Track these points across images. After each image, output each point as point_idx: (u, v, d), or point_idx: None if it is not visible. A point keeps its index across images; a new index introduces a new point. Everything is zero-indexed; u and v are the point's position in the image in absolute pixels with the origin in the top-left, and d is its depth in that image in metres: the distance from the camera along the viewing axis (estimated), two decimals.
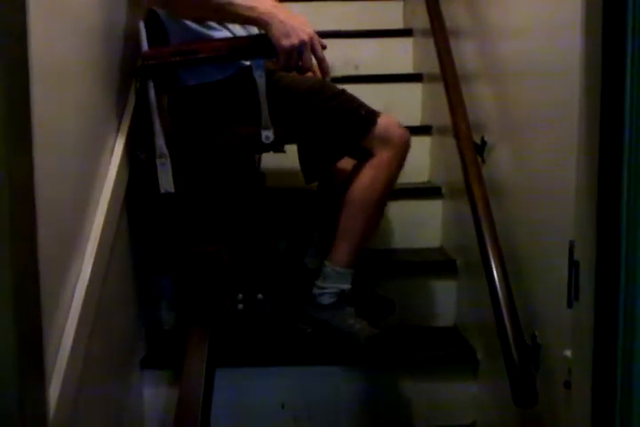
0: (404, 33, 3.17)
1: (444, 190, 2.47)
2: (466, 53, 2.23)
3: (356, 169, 1.83)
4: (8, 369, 0.84)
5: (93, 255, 1.40)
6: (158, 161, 1.62)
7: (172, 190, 1.62)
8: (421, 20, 2.73)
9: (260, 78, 1.60)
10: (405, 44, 3.14)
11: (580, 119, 0.99)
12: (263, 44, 1.53)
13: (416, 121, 2.90)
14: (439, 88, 2.28)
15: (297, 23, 1.51)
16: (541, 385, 1.46)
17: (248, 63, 1.65)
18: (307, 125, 1.75)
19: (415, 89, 2.93)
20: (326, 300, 1.84)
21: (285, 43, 1.49)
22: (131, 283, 1.78)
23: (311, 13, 3.35)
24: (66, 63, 1.36)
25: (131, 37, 1.80)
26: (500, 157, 1.84)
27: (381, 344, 1.83)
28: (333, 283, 1.83)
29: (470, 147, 1.89)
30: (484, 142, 1.94)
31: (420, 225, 2.49)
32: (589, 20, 0.95)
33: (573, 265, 0.98)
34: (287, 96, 1.71)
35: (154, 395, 1.92)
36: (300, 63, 1.57)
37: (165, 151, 1.62)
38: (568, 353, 1.22)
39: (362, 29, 3.17)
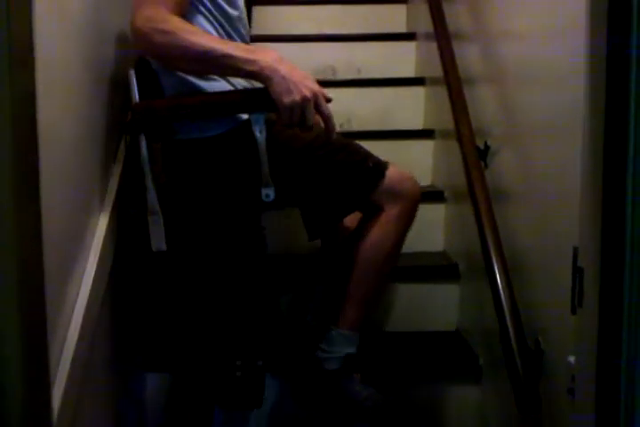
0: (407, 37, 3.17)
1: (446, 194, 2.46)
2: (469, 57, 2.22)
3: (364, 225, 1.71)
4: (13, 374, 0.83)
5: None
6: (150, 218, 1.50)
7: (165, 248, 1.50)
8: (424, 23, 2.73)
9: (260, 133, 1.48)
10: (408, 47, 3.14)
11: (585, 123, 0.98)
12: (263, 98, 1.41)
13: (418, 125, 2.91)
14: (442, 92, 2.28)
15: (300, 78, 1.39)
16: (544, 391, 1.46)
17: (247, 116, 1.53)
18: (311, 181, 1.63)
19: (418, 93, 2.93)
20: (331, 365, 1.72)
21: (287, 100, 1.38)
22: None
23: (315, 17, 3.38)
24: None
25: (120, 86, 1.66)
26: (504, 161, 1.83)
27: (389, 413, 1.72)
28: (339, 347, 1.72)
29: (473, 151, 1.88)
30: (487, 147, 1.93)
31: (422, 229, 2.47)
32: (594, 23, 0.94)
33: (577, 271, 0.97)
34: (289, 151, 1.60)
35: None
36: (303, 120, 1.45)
37: (157, 208, 1.50)
38: (571, 359, 1.21)
39: (365, 33, 3.18)
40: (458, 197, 2.28)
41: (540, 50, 1.56)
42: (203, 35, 1.43)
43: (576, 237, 1.01)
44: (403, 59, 3.12)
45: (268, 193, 1.50)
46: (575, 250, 0.99)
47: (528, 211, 1.63)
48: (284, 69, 1.38)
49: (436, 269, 2.29)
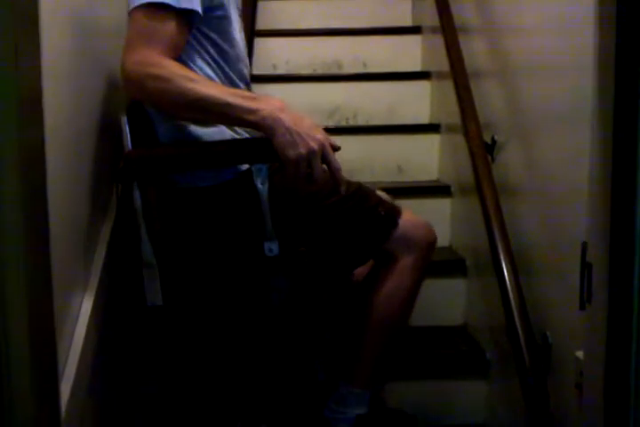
0: (413, 30, 3.16)
1: (453, 189, 2.45)
2: (475, 51, 2.21)
3: (376, 275, 1.58)
4: (23, 377, 0.84)
5: None
6: (145, 272, 1.40)
7: (161, 303, 1.40)
8: (430, 17, 2.72)
9: (262, 185, 1.38)
10: (414, 41, 3.13)
11: (593, 118, 0.97)
12: (266, 149, 1.29)
13: (425, 119, 2.90)
14: (448, 86, 2.27)
15: (305, 128, 1.27)
16: (552, 385, 1.45)
17: (248, 166, 1.43)
18: (318, 233, 1.49)
19: (424, 87, 2.92)
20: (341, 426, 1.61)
21: (292, 153, 1.26)
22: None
23: (321, 11, 3.37)
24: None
25: (111, 130, 1.54)
26: (511, 156, 1.83)
27: None
28: (350, 407, 1.59)
29: (480, 146, 1.87)
30: (494, 141, 1.92)
31: None
32: (603, 16, 0.93)
33: (586, 267, 0.96)
34: (293, 200, 1.46)
35: None
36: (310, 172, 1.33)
37: (153, 260, 1.39)
38: (579, 354, 1.21)
39: (370, 27, 3.16)
40: (464, 192, 2.27)
41: (547, 43, 1.55)
42: (200, 81, 1.30)
43: (584, 232, 1.01)
44: (408, 53, 3.11)
45: (272, 247, 1.39)
46: (584, 245, 0.99)
47: (536, 205, 1.62)
48: (287, 119, 1.27)
49: (442, 264, 2.28)
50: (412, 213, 1.58)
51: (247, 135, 1.46)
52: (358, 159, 2.72)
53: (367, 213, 1.51)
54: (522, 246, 1.67)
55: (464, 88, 2.08)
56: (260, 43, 3.04)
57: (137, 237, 1.41)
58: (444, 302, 2.22)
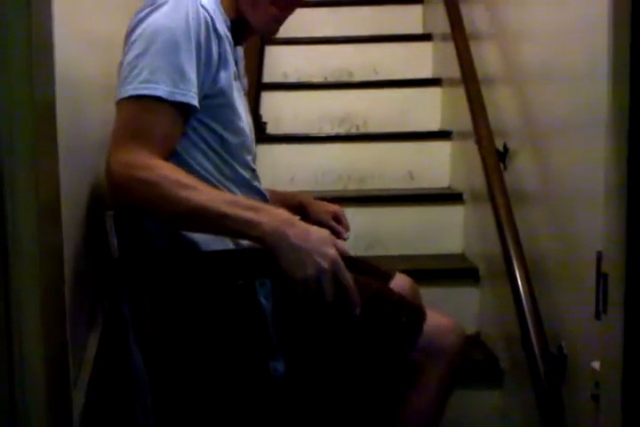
0: (424, 37, 3.16)
1: (465, 196, 2.44)
2: (487, 57, 2.20)
3: (400, 388, 1.37)
4: (38, 378, 0.84)
5: None
6: (136, 389, 1.24)
7: (152, 422, 1.25)
8: (441, 24, 2.71)
9: (266, 299, 1.22)
10: (425, 48, 3.13)
11: (608, 124, 0.96)
12: (272, 263, 1.13)
13: (436, 126, 2.89)
14: (459, 93, 2.26)
15: (314, 242, 1.12)
16: (567, 396, 1.43)
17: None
18: (330, 348, 1.29)
19: (435, 94, 2.92)
20: None
21: (299, 274, 1.11)
22: None
23: (331, 18, 3.37)
24: None
25: (94, 226, 1.34)
26: (524, 163, 1.81)
27: None
28: None
29: (492, 153, 1.86)
30: (506, 149, 1.91)
31: (440, 231, 2.47)
32: (617, 21, 0.92)
33: (601, 277, 0.95)
34: (301, 316, 1.26)
35: None
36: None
37: (145, 377, 1.23)
38: (595, 365, 1.19)
39: (381, 34, 3.17)
40: (477, 199, 2.26)
41: (559, 50, 1.54)
42: (194, 187, 1.13)
43: (600, 241, 0.99)
44: (419, 59, 3.11)
45: (277, 367, 1.23)
46: (599, 255, 0.97)
47: (549, 213, 1.60)
48: (293, 235, 1.11)
49: (455, 272, 2.27)
50: (438, 311, 1.35)
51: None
52: (369, 166, 2.72)
53: (386, 320, 1.29)
54: (536, 255, 1.65)
55: (475, 95, 2.07)
56: (270, 51, 3.05)
57: (126, 350, 1.25)
58: (457, 310, 2.19)
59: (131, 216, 1.21)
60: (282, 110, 2.91)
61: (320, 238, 1.13)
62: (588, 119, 1.35)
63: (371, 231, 2.47)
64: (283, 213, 1.14)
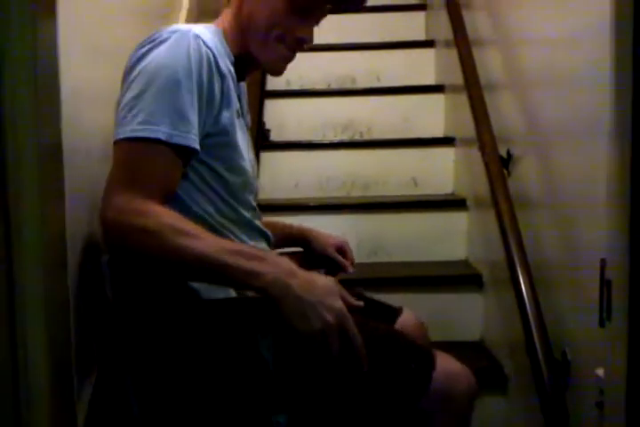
0: (427, 44, 3.17)
1: (469, 202, 2.44)
2: (490, 64, 2.21)
3: None
4: (42, 388, 0.84)
5: None
6: None
7: None
8: (443, 30, 2.72)
9: (268, 352, 1.16)
10: (428, 55, 3.14)
11: (611, 131, 0.96)
12: (277, 314, 1.07)
13: (439, 132, 2.89)
14: (462, 99, 2.26)
15: (320, 295, 1.05)
16: (572, 403, 1.43)
17: None
18: (336, 399, 1.21)
19: (438, 100, 2.92)
20: None
21: (304, 327, 1.04)
22: None
23: (334, 26, 3.37)
24: None
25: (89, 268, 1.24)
26: (527, 170, 1.81)
27: None
28: None
29: (496, 160, 1.86)
30: (509, 155, 1.91)
31: (444, 237, 2.47)
32: (619, 28, 0.92)
33: (605, 284, 0.95)
34: (305, 368, 1.18)
35: None
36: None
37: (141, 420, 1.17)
38: (599, 372, 1.19)
39: (384, 41, 3.18)
40: (480, 205, 2.26)
41: (562, 56, 1.54)
42: (195, 235, 1.06)
43: (603, 248, 0.99)
44: (422, 66, 3.11)
45: (280, 421, 1.17)
46: (602, 262, 0.97)
47: (553, 220, 1.60)
48: (297, 286, 1.04)
49: (459, 278, 2.27)
50: (448, 357, 1.30)
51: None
52: (373, 173, 2.72)
53: (395, 369, 1.22)
54: (540, 261, 1.65)
55: (478, 101, 2.07)
56: None
57: (123, 398, 1.19)
58: (461, 316, 2.20)
59: (127, 262, 1.15)
60: (285, 117, 2.91)
61: (325, 289, 1.06)
62: (591, 126, 1.35)
63: (374, 238, 2.47)
64: (286, 263, 1.07)
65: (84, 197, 1.23)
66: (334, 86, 3.15)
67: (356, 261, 2.49)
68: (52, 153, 0.95)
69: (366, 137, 2.93)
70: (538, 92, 1.74)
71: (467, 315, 2.20)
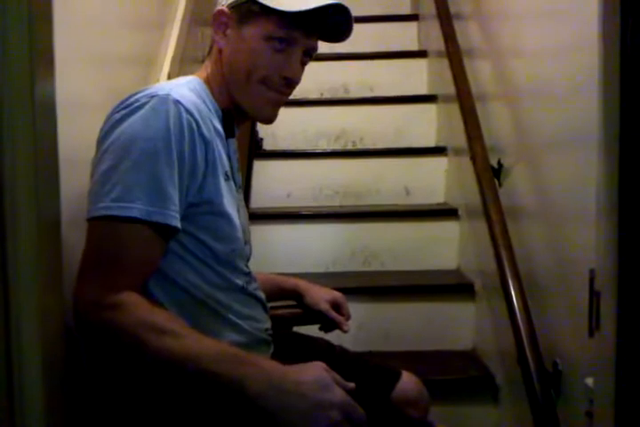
0: (419, 54, 3.19)
1: (460, 212, 2.45)
2: (481, 75, 2.22)
3: None
4: (35, 395, 0.83)
5: None
6: None
7: None
8: (436, 41, 2.74)
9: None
10: (420, 65, 3.16)
11: (600, 142, 0.97)
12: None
13: (431, 142, 2.90)
14: (454, 109, 2.28)
15: (314, 393, 0.94)
16: (563, 413, 1.43)
17: None
18: None
19: (430, 110, 2.93)
20: None
21: None
22: None
23: None
24: None
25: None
26: (518, 180, 1.82)
27: None
28: None
29: (487, 170, 1.87)
30: (500, 165, 1.92)
31: (436, 247, 2.47)
32: (606, 39, 0.93)
33: (594, 295, 0.95)
34: None
35: None
36: None
37: None
38: (589, 381, 1.19)
39: (376, 51, 3.19)
40: (472, 215, 2.26)
41: (553, 67, 1.55)
42: (175, 333, 0.97)
43: (593, 258, 1.00)
44: (415, 76, 3.13)
45: None
46: (592, 272, 0.97)
47: (543, 230, 1.61)
48: (286, 393, 0.94)
49: (450, 287, 2.27)
50: None
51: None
52: (365, 182, 2.73)
53: None
54: (531, 271, 1.66)
55: (470, 111, 2.08)
56: None
57: None
58: (453, 326, 2.20)
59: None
60: (278, 127, 2.91)
61: (318, 384, 0.95)
62: (581, 136, 1.36)
63: (367, 247, 2.47)
64: (271, 365, 0.97)
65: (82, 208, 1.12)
66: (327, 96, 3.16)
67: (349, 269, 2.50)
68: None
69: (359, 146, 2.94)
70: (528, 103, 1.76)
71: (458, 324, 2.21)
